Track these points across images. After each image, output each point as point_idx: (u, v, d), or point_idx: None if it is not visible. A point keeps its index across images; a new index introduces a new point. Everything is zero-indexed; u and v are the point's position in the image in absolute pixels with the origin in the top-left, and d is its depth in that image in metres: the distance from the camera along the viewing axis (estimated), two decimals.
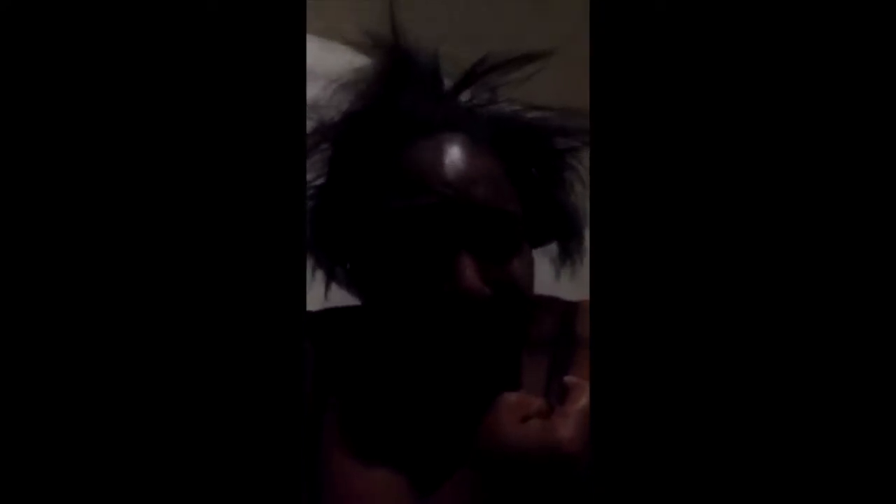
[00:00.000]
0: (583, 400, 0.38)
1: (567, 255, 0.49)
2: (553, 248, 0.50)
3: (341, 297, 0.48)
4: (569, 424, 0.37)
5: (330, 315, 0.49)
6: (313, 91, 0.41)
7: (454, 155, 0.41)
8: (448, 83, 0.45)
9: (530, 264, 0.43)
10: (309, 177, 0.45)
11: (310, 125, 0.43)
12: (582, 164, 0.46)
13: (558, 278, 0.51)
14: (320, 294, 0.48)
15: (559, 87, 0.45)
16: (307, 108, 0.43)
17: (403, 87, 0.43)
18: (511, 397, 0.40)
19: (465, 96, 0.45)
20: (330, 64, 0.40)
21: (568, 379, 0.40)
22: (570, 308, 0.48)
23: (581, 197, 0.48)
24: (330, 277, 0.48)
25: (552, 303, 0.49)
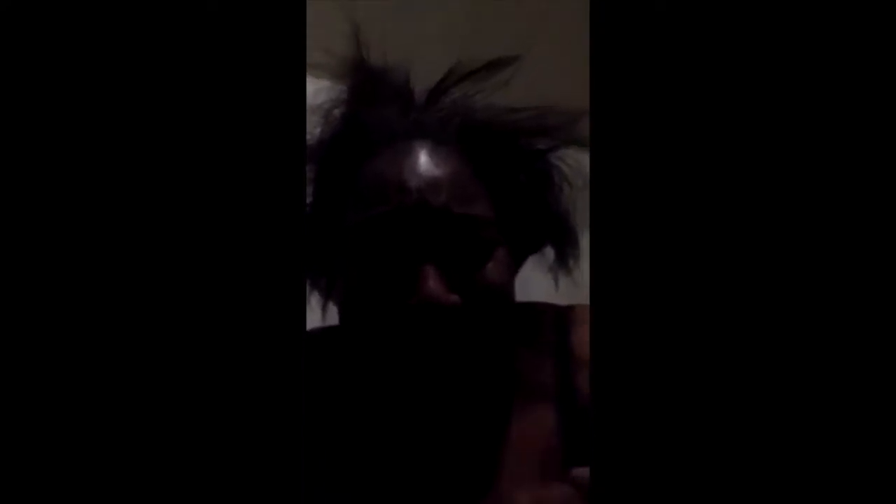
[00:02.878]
0: None
1: (563, 260, 0.47)
2: (549, 257, 0.48)
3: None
4: None
5: (323, 335, 0.48)
6: None
7: (414, 161, 0.40)
8: (421, 96, 0.44)
9: (508, 268, 0.42)
10: None
11: None
12: (565, 162, 0.45)
13: (558, 287, 0.49)
14: (318, 317, 0.48)
15: (534, 88, 0.44)
16: None
17: (373, 105, 0.43)
18: (525, 498, 0.39)
19: (438, 107, 0.44)
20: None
21: (577, 473, 0.38)
22: (563, 312, 0.47)
23: (570, 198, 0.46)
24: (327, 299, 0.48)
25: (546, 309, 0.47)
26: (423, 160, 0.40)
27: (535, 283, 0.50)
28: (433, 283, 0.38)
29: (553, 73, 0.43)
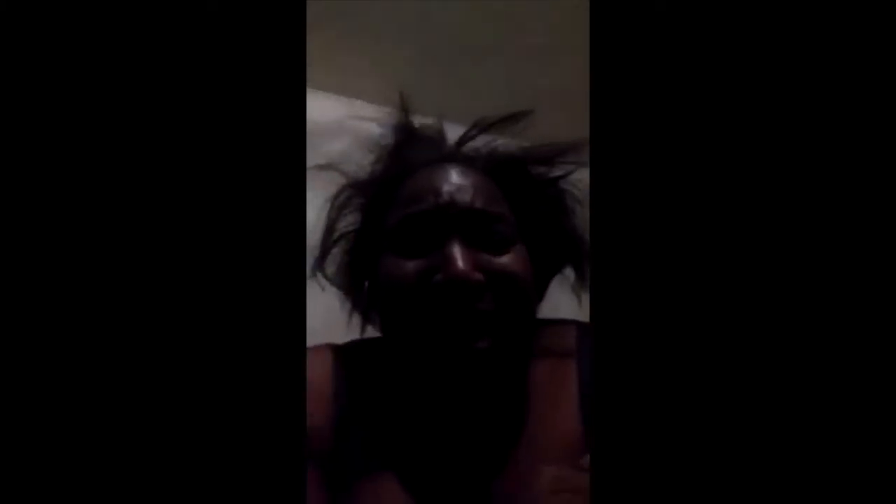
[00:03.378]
0: None
1: (583, 279, 0.52)
2: (571, 277, 0.53)
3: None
4: None
5: (356, 347, 0.52)
6: (342, 145, 0.51)
7: (446, 174, 0.47)
8: (451, 140, 0.54)
9: (525, 261, 0.46)
10: (344, 224, 0.53)
11: (340, 180, 0.52)
12: (577, 186, 0.52)
13: (581, 305, 0.53)
14: (355, 336, 0.53)
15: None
16: (334, 163, 0.53)
17: (413, 147, 0.52)
18: (551, 471, 0.40)
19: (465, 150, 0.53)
20: (354, 122, 0.49)
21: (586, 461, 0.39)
22: (586, 328, 0.49)
23: (584, 218, 0.52)
24: (366, 320, 0.53)
25: (568, 324, 0.50)
26: (454, 174, 0.48)
27: (562, 305, 0.53)
28: (459, 262, 0.42)
29: (562, 123, 0.51)
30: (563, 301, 0.53)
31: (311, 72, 0.37)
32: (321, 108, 0.43)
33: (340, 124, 0.49)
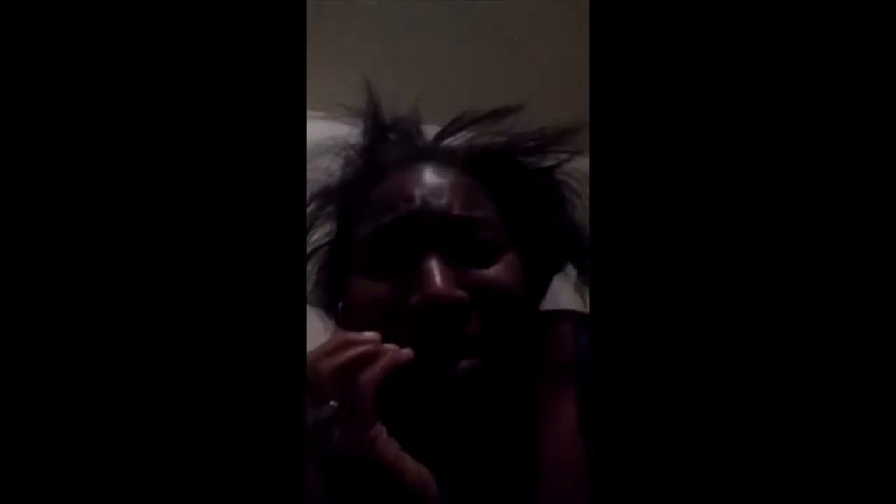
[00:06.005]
0: None
1: (585, 276, 0.47)
2: (573, 276, 0.48)
3: None
4: None
5: None
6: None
7: (419, 176, 0.42)
8: (430, 133, 0.48)
9: (517, 271, 0.42)
10: (316, 237, 0.47)
11: (310, 190, 0.47)
12: (572, 176, 0.47)
13: (586, 303, 0.48)
14: None
15: None
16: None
17: (386, 146, 0.46)
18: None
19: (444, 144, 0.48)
20: (314, 134, 0.44)
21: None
22: (585, 318, 0.45)
23: (583, 212, 0.47)
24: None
25: (566, 315, 0.46)
26: (428, 174, 0.43)
27: (564, 304, 0.49)
28: (437, 279, 0.37)
29: (554, 119, 0.46)
30: (565, 301, 0.48)
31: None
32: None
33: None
